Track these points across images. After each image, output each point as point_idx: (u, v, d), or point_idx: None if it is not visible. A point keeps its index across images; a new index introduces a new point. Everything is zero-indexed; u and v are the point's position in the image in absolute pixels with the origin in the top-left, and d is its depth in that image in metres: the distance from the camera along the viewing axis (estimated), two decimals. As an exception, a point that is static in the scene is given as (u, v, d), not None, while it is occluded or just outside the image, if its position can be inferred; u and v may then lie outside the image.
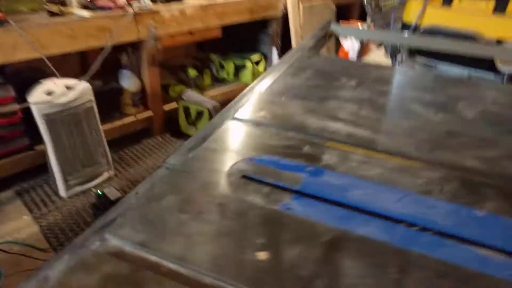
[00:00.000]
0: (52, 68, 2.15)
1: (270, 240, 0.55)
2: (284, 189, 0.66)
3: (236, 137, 0.83)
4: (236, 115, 0.89)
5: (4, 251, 1.93)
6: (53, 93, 2.12)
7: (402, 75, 1.14)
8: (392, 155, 0.74)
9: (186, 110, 2.89)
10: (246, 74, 3.35)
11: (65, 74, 2.26)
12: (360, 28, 1.40)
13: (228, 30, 3.01)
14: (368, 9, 1.60)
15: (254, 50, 3.51)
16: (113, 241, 0.56)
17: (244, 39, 3.52)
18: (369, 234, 0.57)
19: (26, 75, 2.33)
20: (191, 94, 2.94)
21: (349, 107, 0.92)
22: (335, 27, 1.37)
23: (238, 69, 3.36)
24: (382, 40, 1.35)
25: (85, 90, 2.22)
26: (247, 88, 1.06)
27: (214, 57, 3.35)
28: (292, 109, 0.91)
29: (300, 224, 0.58)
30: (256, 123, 0.86)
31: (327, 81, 1.08)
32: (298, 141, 0.78)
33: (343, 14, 3.87)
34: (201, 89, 3.18)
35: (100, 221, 0.62)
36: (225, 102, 3.09)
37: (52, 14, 2.18)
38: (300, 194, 0.65)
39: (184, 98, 2.90)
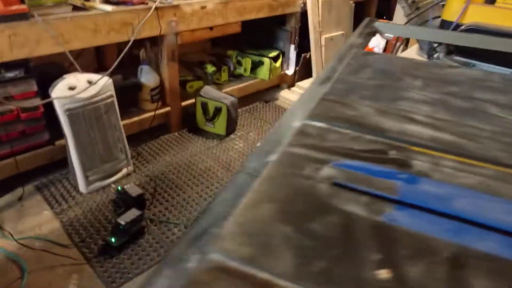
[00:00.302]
0: (75, 63, 2.12)
1: (386, 256, 0.52)
2: (382, 198, 0.62)
3: (313, 140, 0.78)
4: (306, 117, 0.85)
5: (26, 246, 1.92)
6: (76, 87, 2.09)
7: (466, 75, 1.10)
8: (484, 162, 0.71)
9: (204, 106, 2.86)
10: (263, 70, 3.31)
11: (81, 68, 2.22)
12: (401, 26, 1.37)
13: (244, 26, 2.97)
14: (405, 7, 1.56)
15: (271, 46, 3.47)
16: (215, 256, 0.52)
17: (261, 35, 3.48)
18: (492, 250, 0.53)
19: (48, 70, 2.30)
20: (209, 90, 2.91)
21: (423, 108, 0.89)
22: (379, 25, 1.34)
23: (255, 66, 3.32)
24: (431, 38, 1.32)
25: (106, 85, 2.19)
26: (308, 87, 1.02)
27: (232, 53, 3.31)
28: (364, 110, 0.87)
29: (413, 238, 0.55)
30: (330, 125, 0.82)
31: (390, 80, 1.04)
32: (380, 145, 0.74)
33: (360, 11, 3.83)
34: (218, 85, 3.15)
35: (193, 232, 0.58)
36: (241, 98, 3.09)
37: (75, 8, 2.15)
38: (401, 204, 0.61)
39: (202, 94, 2.87)
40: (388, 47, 2.21)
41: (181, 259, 0.52)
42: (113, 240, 1.91)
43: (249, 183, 0.65)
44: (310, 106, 0.87)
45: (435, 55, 1.47)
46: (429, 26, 1.51)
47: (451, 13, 1.43)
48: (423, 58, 1.54)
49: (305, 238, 0.55)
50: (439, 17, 1.50)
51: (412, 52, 1.71)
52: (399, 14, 1.95)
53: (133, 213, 2.01)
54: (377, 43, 2.64)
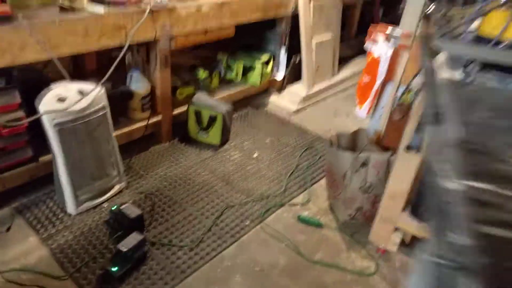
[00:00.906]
0: (65, 72, 1.89)
1: None
2: None
3: (493, 212, 0.63)
4: (460, 176, 0.70)
5: (12, 281, 1.69)
6: (66, 99, 1.87)
7: None
8: None
9: (198, 115, 2.69)
10: (254, 75, 3.18)
11: (57, 75, 1.96)
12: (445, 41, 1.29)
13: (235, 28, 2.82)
14: (436, 20, 1.49)
15: (260, 49, 3.34)
16: None
17: (250, 38, 3.34)
18: None
19: (30, 77, 2.05)
20: (201, 97, 2.74)
21: None
22: (440, 43, 1.24)
23: (246, 70, 3.18)
24: (498, 60, 1.24)
25: (99, 95, 1.98)
26: (425, 129, 0.88)
27: (222, 57, 3.15)
28: None
29: None
30: (497, 188, 0.68)
31: None
32: None
33: (344, 14, 3.78)
34: (209, 91, 2.98)
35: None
36: (233, 104, 2.92)
37: (62, 9, 1.92)
38: None
39: (194, 102, 2.69)
40: (394, 55, 2.15)
41: None
42: (114, 269, 1.72)
43: (452, 279, 0.51)
44: (449, 158, 0.73)
45: (468, 70, 1.41)
46: (463, 41, 1.46)
47: (489, 29, 1.37)
48: (455, 73, 1.47)
49: None
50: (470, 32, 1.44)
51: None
52: (408, 21, 1.89)
53: (134, 237, 1.83)
54: (384, 51, 2.59)
